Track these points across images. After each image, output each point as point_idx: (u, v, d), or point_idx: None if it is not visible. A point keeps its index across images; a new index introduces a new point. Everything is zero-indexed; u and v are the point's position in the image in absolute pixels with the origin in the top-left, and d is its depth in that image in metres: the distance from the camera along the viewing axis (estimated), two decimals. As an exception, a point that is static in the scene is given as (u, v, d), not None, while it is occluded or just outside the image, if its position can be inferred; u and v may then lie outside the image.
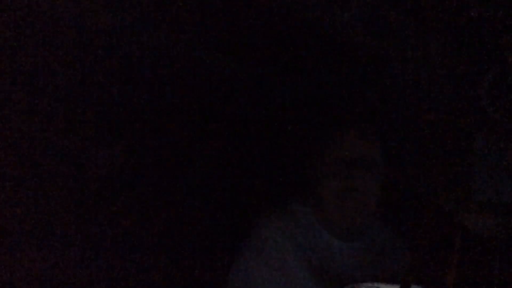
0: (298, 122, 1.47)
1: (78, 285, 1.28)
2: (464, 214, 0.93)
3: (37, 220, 1.24)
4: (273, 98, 1.46)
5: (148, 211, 1.42)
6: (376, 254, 1.29)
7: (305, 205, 1.32)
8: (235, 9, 1.12)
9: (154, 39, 1.24)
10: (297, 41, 1.21)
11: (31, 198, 1.24)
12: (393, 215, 1.32)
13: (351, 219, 1.26)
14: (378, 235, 1.33)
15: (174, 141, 1.47)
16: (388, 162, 1.23)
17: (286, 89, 1.42)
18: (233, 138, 1.54)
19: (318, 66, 1.27)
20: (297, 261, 1.23)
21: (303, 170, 1.31)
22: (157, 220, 1.44)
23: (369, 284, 0.99)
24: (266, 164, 1.55)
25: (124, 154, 1.41)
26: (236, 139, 1.55)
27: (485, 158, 0.95)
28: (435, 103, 1.02)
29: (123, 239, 1.37)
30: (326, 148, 1.27)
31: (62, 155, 1.29)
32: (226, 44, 1.21)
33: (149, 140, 1.43)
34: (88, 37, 1.21)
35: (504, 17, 0.91)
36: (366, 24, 1.06)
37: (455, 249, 0.96)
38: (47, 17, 1.16)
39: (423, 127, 1.02)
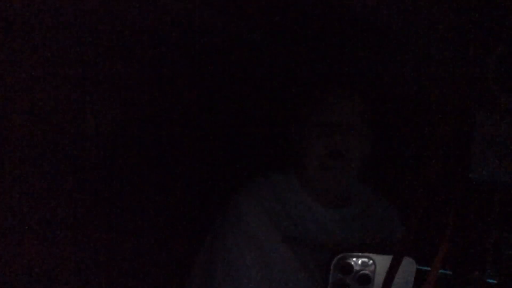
0: (277, 87, 1.44)
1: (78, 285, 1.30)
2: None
3: (37, 219, 1.25)
4: (253, 60, 1.42)
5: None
6: (365, 221, 1.29)
7: (286, 174, 1.30)
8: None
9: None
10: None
11: (31, 196, 1.24)
12: (385, 184, 1.32)
13: (336, 184, 1.25)
14: (367, 202, 1.32)
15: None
16: (374, 126, 1.20)
17: (270, 51, 1.38)
18: (209, 105, 1.51)
19: (305, 26, 1.23)
20: (275, 233, 1.22)
21: (284, 136, 1.29)
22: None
23: (360, 254, 1.00)
24: (244, 133, 1.52)
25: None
26: (212, 106, 1.51)
27: (485, 136, 0.94)
28: (436, 74, 0.99)
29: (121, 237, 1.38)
30: (307, 112, 1.24)
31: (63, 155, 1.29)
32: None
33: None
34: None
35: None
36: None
37: (449, 223, 0.96)
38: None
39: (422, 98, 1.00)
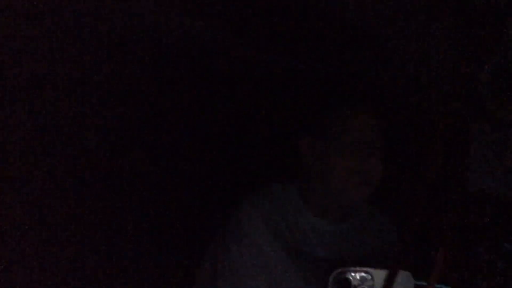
0: (290, 102, 1.44)
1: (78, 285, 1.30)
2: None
3: (37, 219, 1.26)
4: (271, 75, 1.42)
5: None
6: (363, 235, 1.29)
7: (287, 186, 1.31)
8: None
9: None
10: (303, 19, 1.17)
11: (31, 197, 1.25)
12: (384, 199, 1.31)
13: (351, 201, 1.25)
14: (366, 216, 1.32)
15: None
16: (387, 145, 1.21)
17: (290, 68, 1.38)
18: (217, 116, 1.51)
19: (323, 44, 1.23)
20: (275, 245, 1.22)
21: (293, 152, 1.29)
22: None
23: (358, 269, 1.00)
24: (250, 143, 1.52)
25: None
26: (219, 115, 1.51)
27: (481, 149, 0.94)
28: (431, 87, 0.99)
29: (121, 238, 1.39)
30: (324, 129, 1.25)
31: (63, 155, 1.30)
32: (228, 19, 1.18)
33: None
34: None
35: (507, 4, 0.87)
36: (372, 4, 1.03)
37: (446, 238, 0.96)
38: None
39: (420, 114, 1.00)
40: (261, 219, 1.23)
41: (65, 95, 1.28)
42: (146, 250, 1.43)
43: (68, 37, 1.19)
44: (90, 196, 1.35)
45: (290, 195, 1.29)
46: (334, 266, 1.01)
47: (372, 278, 0.99)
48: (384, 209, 1.32)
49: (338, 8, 1.04)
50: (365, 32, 1.12)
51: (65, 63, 1.25)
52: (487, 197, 0.94)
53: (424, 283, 0.94)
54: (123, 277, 1.38)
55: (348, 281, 1.00)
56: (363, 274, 1.00)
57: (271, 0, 1.07)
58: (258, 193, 1.28)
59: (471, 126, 0.95)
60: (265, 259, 1.21)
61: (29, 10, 1.10)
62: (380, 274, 0.98)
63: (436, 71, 1.06)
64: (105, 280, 1.35)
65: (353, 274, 1.00)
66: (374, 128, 1.23)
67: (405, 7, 0.96)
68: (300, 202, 1.28)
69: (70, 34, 1.19)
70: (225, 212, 1.27)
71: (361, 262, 1.05)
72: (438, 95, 1.03)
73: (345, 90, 1.27)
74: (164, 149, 1.46)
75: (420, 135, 1.18)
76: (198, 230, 1.44)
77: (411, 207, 0.97)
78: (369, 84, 1.28)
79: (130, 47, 1.28)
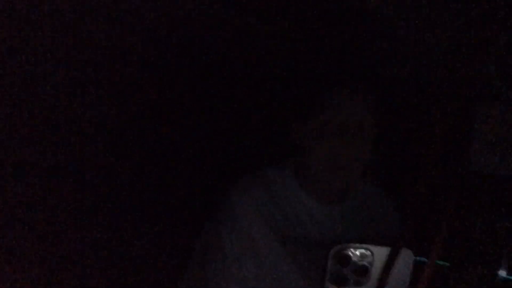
0: (280, 84, 1.42)
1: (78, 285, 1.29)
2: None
3: (37, 219, 1.24)
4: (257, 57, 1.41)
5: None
6: (362, 215, 1.28)
7: (283, 170, 1.29)
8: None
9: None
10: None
11: (31, 196, 1.24)
12: (384, 177, 1.31)
13: (338, 183, 1.24)
14: (364, 195, 1.31)
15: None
16: (380, 126, 1.20)
17: (275, 47, 1.36)
18: (207, 100, 1.49)
19: (311, 23, 1.22)
20: (267, 233, 1.21)
21: (286, 133, 1.27)
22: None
23: (358, 245, 1.01)
24: (242, 128, 1.50)
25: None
26: (210, 101, 1.50)
27: (485, 130, 0.94)
28: (438, 67, 0.99)
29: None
30: (314, 111, 1.22)
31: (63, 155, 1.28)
32: None
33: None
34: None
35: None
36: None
37: (446, 214, 0.96)
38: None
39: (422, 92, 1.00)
40: (254, 206, 1.22)
41: (65, 94, 1.26)
42: (144, 247, 1.42)
43: (68, 36, 1.18)
44: (86, 195, 1.34)
45: (286, 178, 1.27)
46: (333, 243, 1.01)
47: (372, 255, 0.99)
48: (384, 189, 1.32)
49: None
50: (366, 11, 1.11)
51: (65, 63, 1.23)
52: (489, 177, 0.95)
53: (424, 260, 0.95)
54: (123, 277, 1.38)
55: (348, 257, 1.00)
56: (363, 250, 1.00)
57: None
58: (252, 178, 1.26)
59: (476, 106, 0.95)
60: (256, 247, 1.19)
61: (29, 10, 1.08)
62: (380, 251, 0.99)
63: (440, 51, 1.06)
64: (105, 280, 1.34)
65: (353, 250, 1.00)
66: (361, 109, 1.20)
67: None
68: (295, 185, 1.27)
69: (70, 33, 1.17)
70: (219, 196, 1.26)
71: (361, 239, 1.05)
72: (443, 78, 1.03)
73: (335, 71, 1.26)
74: (152, 135, 1.45)
75: (422, 119, 1.18)
76: (193, 217, 1.43)
77: (413, 185, 0.97)
78: (361, 65, 1.27)
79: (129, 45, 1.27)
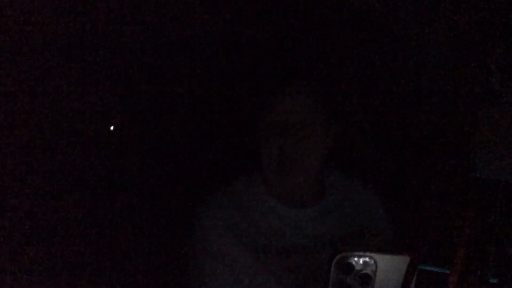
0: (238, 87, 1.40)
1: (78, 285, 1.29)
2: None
3: (38, 219, 1.24)
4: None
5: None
6: (341, 213, 1.25)
7: (252, 178, 1.27)
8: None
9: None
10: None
11: (31, 196, 1.23)
12: (386, 182, 1.29)
13: (293, 186, 1.22)
14: (343, 192, 1.28)
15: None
16: (334, 124, 1.17)
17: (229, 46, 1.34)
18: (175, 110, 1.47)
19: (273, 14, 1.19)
20: (240, 247, 1.20)
21: (247, 138, 1.26)
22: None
23: (361, 253, 0.99)
24: (206, 143, 1.49)
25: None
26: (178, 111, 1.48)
27: (487, 134, 0.92)
28: (438, 70, 0.97)
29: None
30: (260, 112, 1.20)
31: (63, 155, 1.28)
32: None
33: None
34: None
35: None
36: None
37: (464, 226, 0.94)
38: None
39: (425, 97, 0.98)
40: (222, 221, 1.20)
41: (65, 94, 1.25)
42: (144, 248, 1.42)
43: (68, 36, 1.17)
44: (90, 196, 1.33)
45: (255, 188, 1.25)
46: (314, 251, 1.00)
47: (376, 263, 0.98)
48: (369, 187, 1.29)
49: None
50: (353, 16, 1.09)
51: (65, 63, 1.22)
52: (494, 183, 0.93)
53: (427, 268, 0.93)
54: (123, 277, 1.38)
55: (351, 265, 0.99)
56: (366, 259, 0.99)
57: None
58: (218, 194, 1.25)
59: (479, 110, 0.93)
60: (229, 262, 1.18)
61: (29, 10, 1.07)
62: (384, 259, 0.98)
63: (442, 56, 1.03)
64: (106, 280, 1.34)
65: (356, 259, 0.99)
66: (305, 107, 1.17)
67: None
68: (264, 193, 1.25)
69: (70, 33, 1.16)
70: (190, 214, 1.25)
71: (343, 242, 1.03)
72: (445, 81, 1.01)
73: (279, 72, 1.23)
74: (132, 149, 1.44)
75: (424, 122, 1.16)
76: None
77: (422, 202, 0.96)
78: (307, 64, 1.24)
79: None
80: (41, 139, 1.24)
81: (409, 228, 1.13)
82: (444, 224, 0.97)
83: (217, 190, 1.25)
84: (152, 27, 1.20)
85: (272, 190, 1.23)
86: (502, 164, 0.92)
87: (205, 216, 1.21)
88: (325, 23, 1.20)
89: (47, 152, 1.25)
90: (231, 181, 1.26)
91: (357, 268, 0.98)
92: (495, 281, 0.88)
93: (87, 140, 1.35)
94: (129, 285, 1.37)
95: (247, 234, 1.20)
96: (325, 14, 1.16)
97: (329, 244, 1.16)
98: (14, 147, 1.20)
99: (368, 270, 0.98)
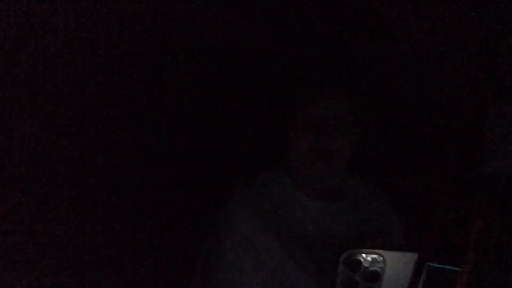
0: (267, 85, 1.42)
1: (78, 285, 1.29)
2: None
3: (37, 219, 1.25)
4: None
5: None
6: (358, 213, 1.27)
7: (277, 171, 1.30)
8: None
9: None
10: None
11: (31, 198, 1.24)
12: (383, 177, 1.30)
13: (322, 179, 1.24)
14: (359, 195, 1.31)
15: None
16: (366, 123, 1.19)
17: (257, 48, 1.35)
18: (198, 104, 1.48)
19: (293, 21, 1.20)
20: (267, 236, 1.21)
21: (276, 134, 1.28)
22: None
23: (369, 250, 0.99)
24: (235, 132, 1.49)
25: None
26: (201, 106, 1.48)
27: (498, 129, 0.92)
28: (447, 69, 0.97)
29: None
30: (297, 108, 1.23)
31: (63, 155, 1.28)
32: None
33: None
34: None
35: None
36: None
37: (473, 225, 0.93)
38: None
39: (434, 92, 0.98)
40: (251, 210, 1.22)
41: (65, 94, 1.26)
42: (145, 248, 1.43)
43: (68, 37, 1.18)
44: (90, 196, 1.34)
45: (280, 180, 1.29)
46: (328, 246, 0.99)
47: (384, 260, 0.98)
48: (384, 189, 1.30)
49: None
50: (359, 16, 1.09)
51: (65, 62, 1.23)
52: (503, 179, 0.92)
53: (435, 265, 0.93)
54: (123, 278, 1.38)
55: (359, 262, 0.98)
56: (374, 255, 0.98)
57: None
58: (247, 182, 1.28)
59: (489, 106, 0.92)
60: (258, 252, 1.19)
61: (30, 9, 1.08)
62: (392, 256, 0.97)
63: (451, 53, 1.03)
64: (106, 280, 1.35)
65: (364, 255, 0.99)
66: (340, 105, 1.21)
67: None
68: (290, 185, 1.28)
69: (71, 33, 1.18)
70: (217, 205, 1.26)
71: (355, 241, 1.03)
72: (455, 78, 1.01)
73: (315, 69, 1.25)
74: (149, 143, 1.45)
75: (434, 120, 1.15)
76: (190, 225, 1.43)
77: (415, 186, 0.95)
78: (343, 64, 1.26)
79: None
80: (41, 139, 1.25)
81: (418, 225, 1.12)
82: (453, 221, 0.97)
83: (244, 182, 1.28)
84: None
85: (299, 182, 1.26)
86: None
87: (233, 207, 1.24)
88: (355, 27, 1.20)
89: (47, 151, 1.26)
90: (257, 173, 1.30)
91: (365, 264, 0.98)
92: (503, 278, 0.88)
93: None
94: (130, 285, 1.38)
95: (273, 221, 1.23)
96: (356, 19, 1.16)
97: (345, 240, 1.18)
98: (14, 147, 1.21)
99: (376, 267, 0.98)
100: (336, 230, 1.22)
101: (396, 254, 0.98)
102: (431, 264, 0.94)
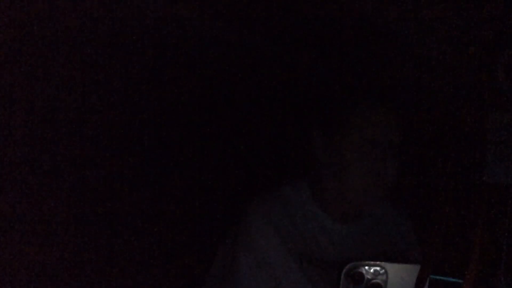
0: (303, 99, 1.40)
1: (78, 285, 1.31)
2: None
3: (37, 219, 1.27)
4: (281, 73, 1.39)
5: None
6: (377, 234, 1.25)
7: (298, 186, 1.26)
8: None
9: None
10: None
11: (31, 196, 1.26)
12: (402, 196, 1.27)
13: (365, 201, 1.20)
14: (380, 214, 1.28)
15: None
16: (403, 143, 1.16)
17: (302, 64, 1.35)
18: (222, 113, 1.47)
19: (338, 42, 1.20)
20: (284, 252, 1.19)
21: (305, 149, 1.25)
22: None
23: (371, 263, 0.98)
24: (257, 144, 1.48)
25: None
26: (226, 115, 1.48)
27: (499, 139, 0.90)
28: (446, 81, 0.96)
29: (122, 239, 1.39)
30: (339, 125, 1.20)
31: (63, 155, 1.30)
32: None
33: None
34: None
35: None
36: None
37: (477, 240, 0.91)
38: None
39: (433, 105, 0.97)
40: (270, 225, 1.20)
41: (65, 95, 1.29)
42: (153, 253, 1.43)
43: (68, 36, 1.21)
44: (90, 196, 1.35)
45: (301, 196, 1.24)
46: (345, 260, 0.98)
47: (386, 272, 0.97)
48: (400, 207, 1.28)
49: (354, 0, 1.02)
50: (381, 25, 1.09)
51: (65, 62, 1.26)
52: (504, 188, 0.90)
53: (438, 277, 0.91)
54: (123, 278, 1.39)
55: (361, 275, 0.97)
56: (376, 268, 0.97)
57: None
58: (267, 196, 1.24)
59: (489, 115, 0.91)
60: (273, 268, 1.17)
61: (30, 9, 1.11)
62: (393, 268, 0.96)
63: (451, 62, 1.02)
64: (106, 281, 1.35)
65: (366, 268, 0.98)
66: (392, 126, 1.17)
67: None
68: (311, 202, 1.24)
69: (71, 33, 1.20)
70: (235, 214, 1.25)
71: (376, 257, 1.01)
72: (455, 87, 1.00)
73: (361, 84, 1.23)
74: (169, 150, 1.45)
75: (434, 129, 1.13)
76: (206, 232, 1.43)
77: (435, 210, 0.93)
78: (387, 78, 1.24)
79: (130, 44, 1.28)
80: (41, 139, 1.27)
81: (420, 236, 1.10)
82: (456, 232, 0.95)
83: (265, 194, 1.25)
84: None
85: (322, 202, 1.22)
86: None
87: (252, 219, 1.20)
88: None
89: (47, 152, 1.28)
90: (279, 186, 1.26)
91: (368, 277, 0.97)
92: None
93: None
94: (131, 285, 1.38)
95: (293, 241, 1.19)
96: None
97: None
98: (14, 147, 1.23)
99: (379, 279, 0.97)
100: (356, 252, 1.20)
101: (399, 266, 0.96)
102: (433, 276, 0.93)
